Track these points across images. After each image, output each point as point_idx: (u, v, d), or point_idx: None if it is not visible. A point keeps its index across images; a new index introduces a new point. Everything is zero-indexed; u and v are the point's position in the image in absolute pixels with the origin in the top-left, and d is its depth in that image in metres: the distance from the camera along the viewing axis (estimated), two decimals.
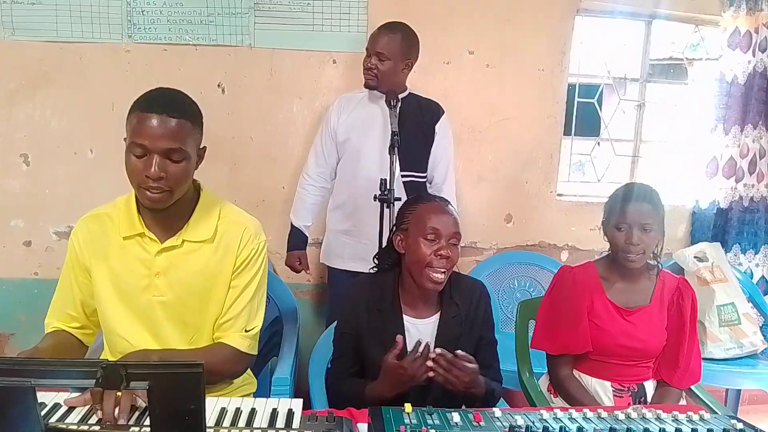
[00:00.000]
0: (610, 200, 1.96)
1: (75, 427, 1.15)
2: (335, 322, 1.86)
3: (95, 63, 2.84)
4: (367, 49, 2.52)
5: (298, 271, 2.74)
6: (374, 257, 1.87)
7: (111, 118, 2.75)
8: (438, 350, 1.54)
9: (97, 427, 1.15)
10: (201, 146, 1.55)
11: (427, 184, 2.66)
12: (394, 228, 1.80)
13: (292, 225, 2.70)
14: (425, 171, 2.64)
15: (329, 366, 1.97)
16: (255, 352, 1.69)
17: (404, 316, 1.74)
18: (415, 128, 2.51)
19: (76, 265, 1.60)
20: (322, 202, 2.70)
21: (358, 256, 2.52)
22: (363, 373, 1.76)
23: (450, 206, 1.73)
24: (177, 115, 1.42)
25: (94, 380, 0.78)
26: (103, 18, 2.81)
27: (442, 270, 1.64)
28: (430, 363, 1.53)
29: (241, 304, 1.63)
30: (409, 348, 1.69)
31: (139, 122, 1.40)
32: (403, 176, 2.50)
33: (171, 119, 1.41)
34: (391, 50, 2.48)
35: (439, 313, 1.75)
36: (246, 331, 1.64)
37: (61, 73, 2.84)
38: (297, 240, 2.70)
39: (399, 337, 1.56)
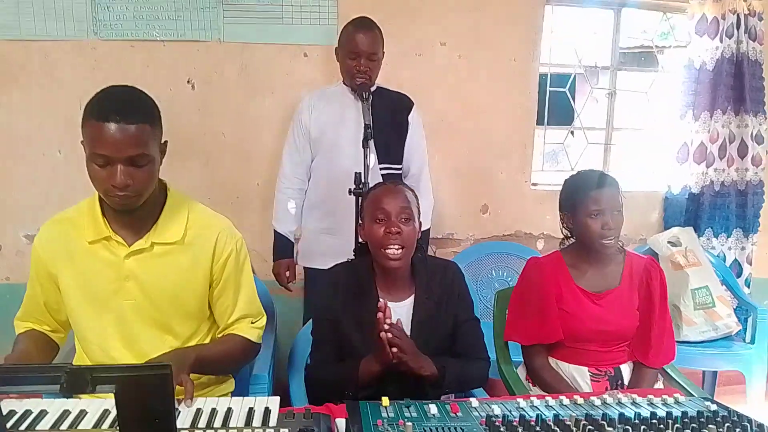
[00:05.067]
0: (570, 190, 1.97)
1: None
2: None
3: (61, 61, 2.78)
4: (353, 52, 2.44)
5: (284, 283, 2.64)
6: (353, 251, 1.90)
7: (79, 117, 2.60)
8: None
9: None
10: (162, 141, 1.50)
11: (403, 176, 2.64)
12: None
13: (276, 232, 2.61)
14: (401, 163, 2.62)
15: (308, 362, 1.96)
16: (260, 343, 1.73)
17: (381, 300, 1.74)
18: (388, 120, 2.49)
19: (41, 272, 1.57)
20: (302, 204, 2.62)
21: (341, 253, 2.48)
22: (343, 359, 1.76)
23: (399, 186, 1.77)
24: (135, 120, 1.36)
25: (58, 385, 0.76)
26: (67, 15, 2.74)
27: (397, 245, 1.67)
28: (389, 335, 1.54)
29: (243, 301, 1.67)
30: None
31: (96, 132, 1.34)
32: (381, 169, 2.49)
33: (130, 126, 1.35)
34: (378, 49, 2.49)
35: (413, 295, 1.77)
36: (252, 323, 1.69)
37: (26, 72, 2.77)
38: (283, 248, 2.61)
39: (381, 302, 1.56)
